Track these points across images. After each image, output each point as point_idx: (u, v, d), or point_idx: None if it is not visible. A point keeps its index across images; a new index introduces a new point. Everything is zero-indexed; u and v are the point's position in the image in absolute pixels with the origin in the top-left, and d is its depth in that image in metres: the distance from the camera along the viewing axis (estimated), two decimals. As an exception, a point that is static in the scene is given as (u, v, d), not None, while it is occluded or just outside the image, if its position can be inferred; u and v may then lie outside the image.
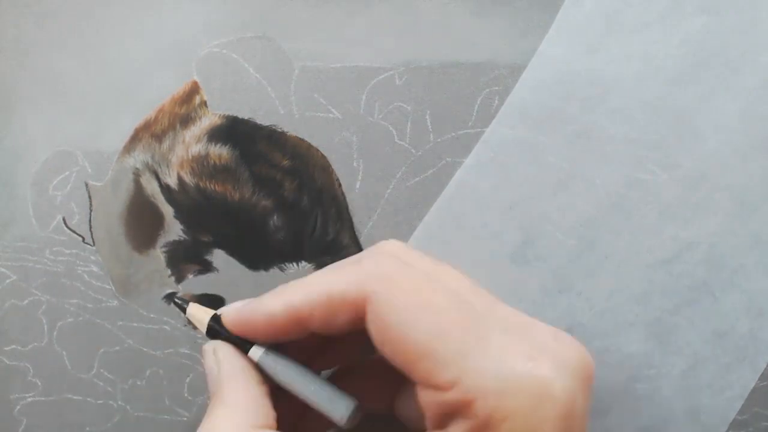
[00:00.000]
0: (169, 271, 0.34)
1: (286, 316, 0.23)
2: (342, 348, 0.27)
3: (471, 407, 0.19)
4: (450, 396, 0.20)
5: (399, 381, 0.24)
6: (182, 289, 0.34)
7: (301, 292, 0.23)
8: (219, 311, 0.26)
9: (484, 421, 0.19)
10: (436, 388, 0.20)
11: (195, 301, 0.34)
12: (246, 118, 0.33)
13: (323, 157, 0.34)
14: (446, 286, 0.22)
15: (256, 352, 0.25)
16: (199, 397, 0.34)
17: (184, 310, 0.28)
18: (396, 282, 0.21)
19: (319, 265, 0.34)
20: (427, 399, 0.21)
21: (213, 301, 0.34)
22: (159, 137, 0.34)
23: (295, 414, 0.26)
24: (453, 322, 0.20)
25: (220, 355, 0.25)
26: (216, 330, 0.26)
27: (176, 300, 0.28)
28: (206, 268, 0.34)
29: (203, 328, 0.27)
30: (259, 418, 0.22)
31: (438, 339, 0.20)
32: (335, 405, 0.23)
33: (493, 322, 0.21)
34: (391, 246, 0.24)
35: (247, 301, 0.25)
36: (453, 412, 0.20)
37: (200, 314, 0.27)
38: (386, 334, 0.21)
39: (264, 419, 0.23)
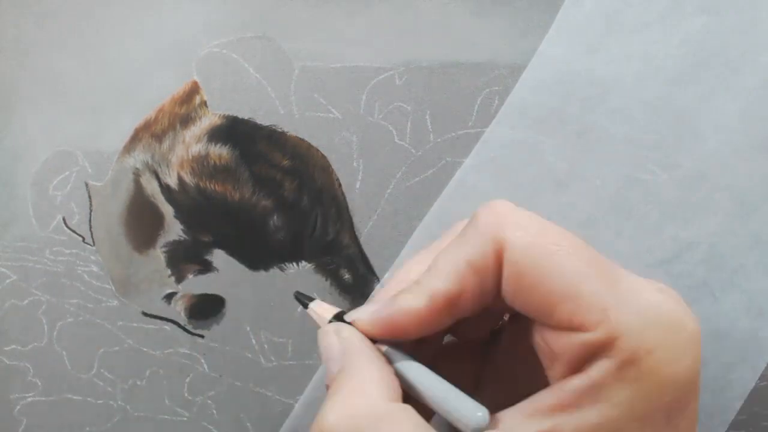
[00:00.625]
0: (169, 271, 0.34)
1: (433, 309, 0.22)
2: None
3: (615, 344, 0.19)
4: (595, 335, 0.19)
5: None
6: (182, 289, 0.34)
7: (440, 275, 0.22)
8: (348, 316, 0.24)
9: (630, 357, 0.19)
10: (580, 329, 0.20)
11: (195, 301, 0.34)
12: (246, 118, 0.33)
13: (323, 157, 0.34)
14: (573, 238, 0.22)
15: (380, 347, 0.23)
16: (198, 396, 0.34)
17: (305, 305, 0.26)
18: (526, 228, 0.21)
19: (319, 265, 0.34)
20: (566, 342, 0.20)
21: (213, 301, 0.34)
22: (159, 137, 0.34)
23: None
24: (589, 263, 0.20)
25: (345, 333, 0.23)
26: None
27: (298, 295, 0.27)
28: (206, 268, 0.34)
29: (324, 325, 0.25)
30: (391, 393, 0.21)
31: (580, 280, 0.20)
32: (466, 413, 0.21)
33: (620, 269, 0.21)
34: (500, 201, 0.23)
35: (376, 304, 0.23)
36: (595, 353, 0.20)
37: (322, 312, 0.26)
38: (523, 280, 0.21)
39: (396, 394, 0.21)
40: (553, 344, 0.21)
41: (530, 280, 0.21)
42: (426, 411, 0.22)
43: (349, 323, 0.24)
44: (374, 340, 0.23)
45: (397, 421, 0.20)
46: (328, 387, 0.22)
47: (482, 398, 0.22)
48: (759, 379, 0.33)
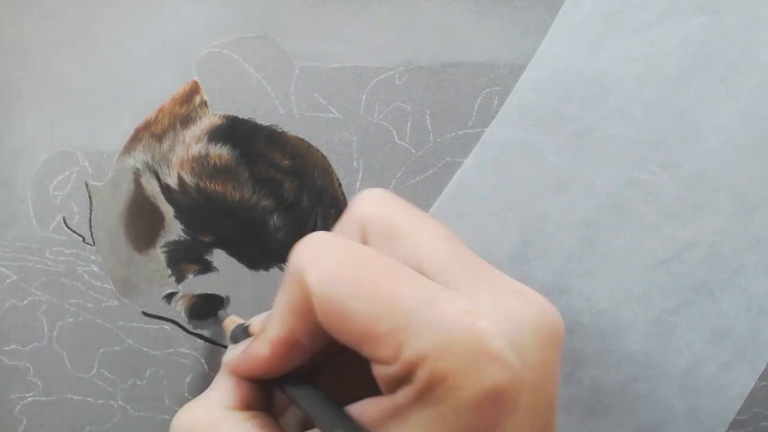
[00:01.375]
0: (169, 271, 0.34)
1: (276, 354, 0.23)
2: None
3: (415, 373, 0.20)
4: (393, 369, 0.20)
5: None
6: (182, 289, 0.34)
7: (274, 323, 0.23)
8: (224, 357, 0.27)
9: (426, 385, 0.19)
10: (382, 362, 0.21)
11: (195, 301, 0.34)
12: (246, 118, 0.33)
13: (323, 157, 0.34)
14: (394, 250, 0.22)
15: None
16: (199, 397, 0.34)
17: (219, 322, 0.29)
18: (322, 271, 0.22)
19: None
20: (377, 372, 0.21)
21: (213, 301, 0.34)
22: (159, 137, 0.34)
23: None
24: (391, 294, 0.21)
25: (226, 358, 0.26)
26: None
27: (232, 335, 0.29)
28: (206, 268, 0.34)
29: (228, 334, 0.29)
30: (233, 402, 0.24)
31: (375, 320, 0.20)
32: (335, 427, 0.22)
33: (443, 281, 0.22)
34: (311, 238, 0.23)
35: (241, 348, 0.25)
36: (399, 382, 0.20)
37: (230, 323, 0.29)
38: (328, 323, 0.21)
39: (239, 403, 0.24)
40: (374, 369, 0.21)
41: (332, 324, 0.21)
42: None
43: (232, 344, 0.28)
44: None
45: (229, 424, 0.23)
46: None
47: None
48: (759, 379, 0.33)
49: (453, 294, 0.21)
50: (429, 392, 0.20)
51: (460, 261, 0.22)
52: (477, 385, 0.19)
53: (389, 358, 0.20)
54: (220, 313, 0.33)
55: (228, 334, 0.30)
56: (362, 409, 0.21)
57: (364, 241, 0.23)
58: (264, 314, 0.28)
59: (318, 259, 0.22)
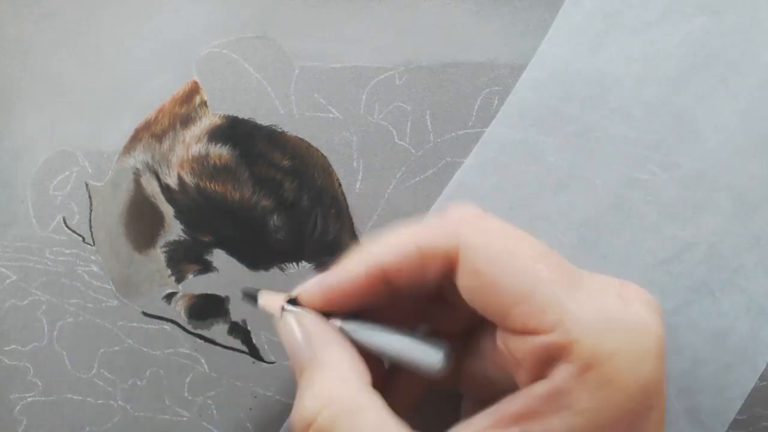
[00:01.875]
0: (169, 271, 0.34)
1: (371, 277, 0.22)
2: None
3: (573, 349, 0.19)
4: (551, 338, 0.19)
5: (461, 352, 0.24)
6: (182, 289, 0.34)
7: (388, 248, 0.22)
8: (295, 292, 0.24)
9: (589, 361, 0.19)
10: (536, 332, 0.20)
11: (195, 302, 0.34)
12: (246, 118, 0.33)
13: (323, 157, 0.34)
14: (536, 243, 0.22)
15: (335, 322, 0.23)
16: (198, 397, 0.34)
17: (255, 301, 0.26)
18: (487, 229, 0.21)
19: (320, 265, 0.34)
20: (523, 347, 0.20)
21: (213, 301, 0.34)
22: (159, 137, 0.34)
23: (381, 382, 0.24)
24: (548, 266, 0.20)
25: (306, 321, 0.23)
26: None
27: (246, 294, 0.27)
28: (206, 268, 0.34)
29: (278, 314, 0.25)
30: (364, 379, 0.22)
31: (536, 282, 0.20)
32: (428, 353, 0.21)
33: (581, 270, 0.21)
34: (469, 205, 0.23)
35: (322, 275, 0.24)
36: (553, 357, 0.19)
37: (272, 301, 0.26)
38: (480, 281, 0.21)
39: (368, 379, 0.22)
40: (514, 349, 0.21)
41: (485, 280, 0.20)
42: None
43: (300, 307, 0.24)
44: (328, 316, 0.23)
45: (371, 410, 0.20)
46: (297, 376, 0.23)
47: (463, 397, 0.22)
48: (759, 379, 0.33)
49: (601, 280, 0.21)
50: (593, 372, 0.19)
51: (568, 263, 0.22)
52: (645, 368, 0.19)
53: (546, 326, 0.19)
54: (244, 291, 0.29)
55: (275, 310, 0.26)
56: (502, 409, 0.20)
57: (449, 257, 0.22)
58: (313, 279, 0.25)
59: (482, 219, 0.22)
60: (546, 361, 0.20)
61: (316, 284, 0.23)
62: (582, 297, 0.20)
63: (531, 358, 0.20)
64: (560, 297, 0.20)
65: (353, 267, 0.23)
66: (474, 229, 0.21)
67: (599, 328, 0.19)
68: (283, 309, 0.25)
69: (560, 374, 0.19)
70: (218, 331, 0.34)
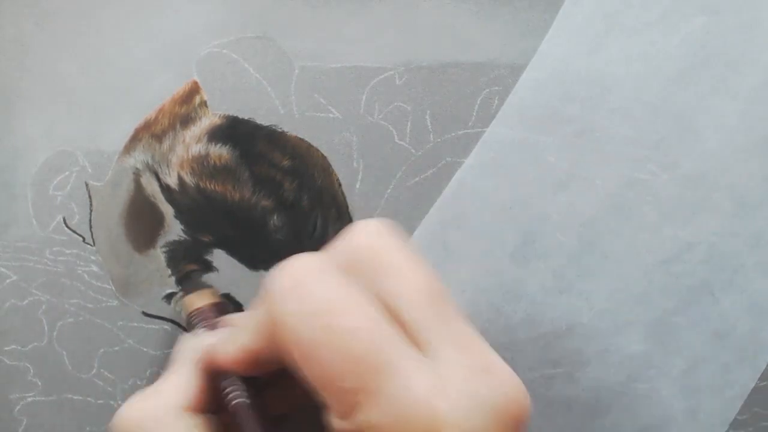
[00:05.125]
0: (169, 271, 0.34)
1: (244, 359, 0.23)
2: None
3: None
4: (344, 425, 0.20)
5: None
6: (182, 289, 0.34)
7: (246, 332, 0.23)
8: (183, 347, 0.27)
9: None
10: (336, 414, 0.21)
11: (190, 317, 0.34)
12: (246, 118, 0.33)
13: (323, 157, 0.34)
14: (378, 288, 0.22)
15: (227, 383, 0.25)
16: (199, 397, 0.34)
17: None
18: (296, 311, 0.21)
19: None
20: (328, 418, 0.21)
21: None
22: (159, 137, 0.34)
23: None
24: (360, 352, 0.20)
25: (189, 344, 0.26)
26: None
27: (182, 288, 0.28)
28: (206, 268, 0.34)
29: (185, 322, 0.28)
30: (189, 402, 0.24)
31: (337, 373, 0.20)
32: None
33: (416, 336, 0.21)
34: (293, 266, 0.23)
35: (211, 343, 0.25)
36: None
37: (195, 302, 0.29)
38: (294, 363, 0.21)
39: (194, 405, 0.24)
40: (330, 419, 0.21)
41: (295, 363, 0.21)
42: None
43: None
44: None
45: (171, 428, 0.23)
46: None
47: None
48: (759, 379, 0.33)
49: (422, 365, 0.20)
50: None
51: (440, 320, 0.22)
52: None
53: (342, 414, 0.20)
54: (195, 277, 0.32)
55: (187, 311, 0.30)
56: None
57: (351, 269, 0.23)
58: (242, 315, 0.28)
59: (296, 292, 0.21)
60: None
61: (207, 353, 0.25)
62: (388, 387, 0.20)
63: (331, 427, 0.21)
64: (357, 389, 0.20)
65: (230, 348, 0.24)
66: (284, 313, 0.21)
67: (388, 423, 0.19)
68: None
69: None
70: (218, 331, 0.34)
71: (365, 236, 0.23)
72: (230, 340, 0.24)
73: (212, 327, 0.28)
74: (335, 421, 0.21)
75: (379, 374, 0.20)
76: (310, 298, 0.21)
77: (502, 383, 0.21)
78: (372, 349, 0.20)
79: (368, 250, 0.23)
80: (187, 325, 0.28)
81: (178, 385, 0.24)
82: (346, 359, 0.20)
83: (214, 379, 0.25)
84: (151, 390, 0.24)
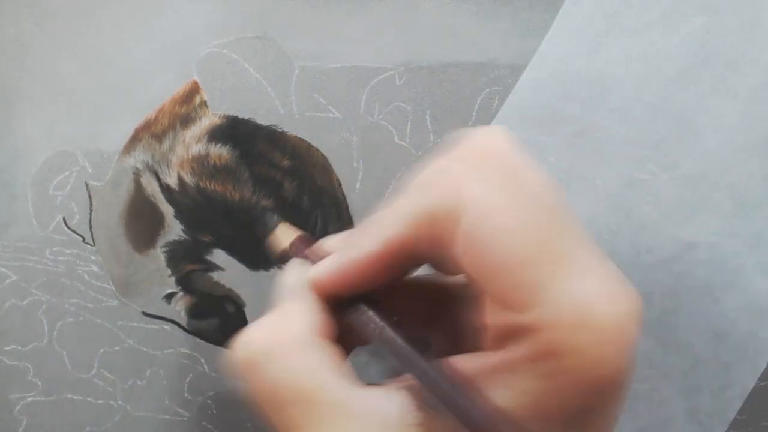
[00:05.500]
0: (169, 271, 0.34)
1: (388, 254, 0.21)
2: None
3: (538, 334, 0.19)
4: (520, 318, 0.19)
5: (438, 300, 0.24)
6: (182, 289, 0.34)
7: (399, 220, 0.21)
8: (311, 273, 0.24)
9: (547, 351, 0.18)
10: (511, 308, 0.19)
11: (195, 302, 0.34)
12: (246, 118, 0.33)
13: (323, 157, 0.34)
14: (542, 203, 0.20)
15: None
16: (199, 397, 0.34)
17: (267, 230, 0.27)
18: (489, 188, 0.20)
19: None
20: (496, 316, 0.20)
21: (213, 301, 0.34)
22: (159, 137, 0.34)
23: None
24: (540, 246, 0.19)
25: (299, 273, 0.23)
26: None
27: (267, 219, 0.27)
28: (209, 268, 0.34)
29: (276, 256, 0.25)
30: (315, 328, 0.21)
31: (521, 263, 0.19)
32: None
33: (579, 250, 0.20)
34: (486, 144, 0.21)
35: (335, 257, 0.23)
36: (518, 334, 0.19)
37: (282, 239, 0.26)
38: (477, 252, 0.20)
39: (321, 331, 0.21)
40: (486, 313, 0.20)
41: (479, 249, 0.20)
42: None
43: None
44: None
45: (307, 352, 0.20)
46: None
47: (431, 347, 0.22)
48: (759, 379, 0.33)
49: (594, 269, 0.19)
50: (548, 361, 0.19)
51: (564, 246, 0.20)
52: (605, 370, 0.19)
53: (519, 306, 0.19)
54: (269, 217, 0.30)
55: (281, 244, 0.27)
56: (462, 363, 0.20)
57: (457, 219, 0.21)
58: (339, 235, 0.25)
59: (483, 170, 0.20)
60: (511, 335, 0.19)
61: (328, 270, 0.22)
62: (566, 286, 0.19)
63: (497, 328, 0.20)
64: (541, 282, 0.19)
65: (368, 245, 0.21)
66: (477, 189, 0.20)
67: (570, 322, 0.19)
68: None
69: (513, 351, 0.19)
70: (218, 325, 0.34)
71: (502, 142, 0.21)
72: (369, 235, 0.22)
73: (311, 256, 0.25)
74: (501, 316, 0.19)
75: (569, 271, 0.19)
76: (500, 179, 0.20)
77: (634, 296, 0.20)
78: (563, 242, 0.19)
79: (501, 153, 0.21)
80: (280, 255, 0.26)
81: (303, 312, 0.22)
82: (537, 249, 0.19)
83: (330, 307, 0.23)
84: (271, 318, 0.22)
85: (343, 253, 0.22)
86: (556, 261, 0.19)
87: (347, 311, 0.22)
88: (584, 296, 0.19)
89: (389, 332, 0.21)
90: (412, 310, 0.24)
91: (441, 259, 0.21)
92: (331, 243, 0.25)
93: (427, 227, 0.21)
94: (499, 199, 0.20)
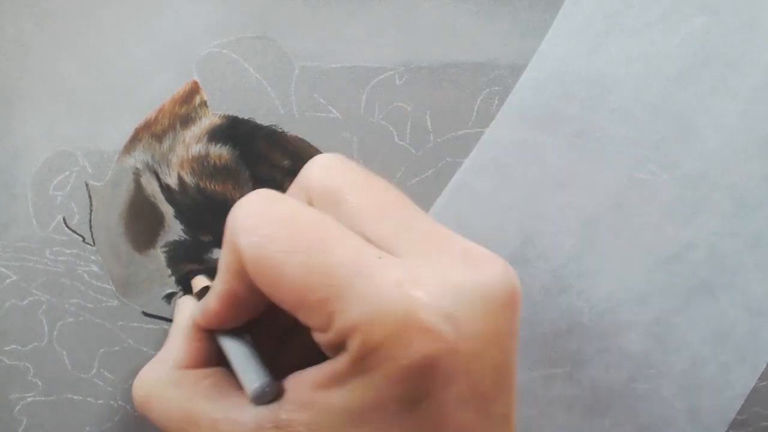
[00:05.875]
0: (169, 271, 0.34)
1: (223, 307, 0.24)
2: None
3: (349, 341, 0.20)
4: (328, 336, 0.20)
5: None
6: (182, 289, 0.34)
7: (219, 278, 0.24)
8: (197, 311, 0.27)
9: (359, 354, 0.20)
10: (317, 330, 0.21)
11: (196, 297, 0.34)
12: (246, 118, 0.33)
13: (323, 157, 0.34)
14: (339, 215, 0.22)
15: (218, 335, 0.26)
16: (199, 397, 0.34)
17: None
18: (254, 232, 0.21)
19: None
20: (315, 337, 0.21)
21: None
22: (159, 137, 0.34)
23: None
24: (324, 261, 0.20)
25: (186, 313, 0.28)
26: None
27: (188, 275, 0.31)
28: (207, 267, 0.34)
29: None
30: (189, 361, 0.25)
31: (305, 289, 0.20)
32: (249, 379, 0.23)
33: (388, 247, 0.21)
34: (249, 198, 0.23)
35: (201, 302, 0.26)
36: (337, 348, 0.20)
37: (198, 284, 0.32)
38: (262, 286, 0.21)
39: (194, 362, 0.25)
40: (313, 333, 0.21)
41: (266, 287, 0.21)
42: None
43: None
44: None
45: (182, 385, 0.24)
46: None
47: (289, 361, 0.24)
48: (759, 379, 0.33)
49: (390, 263, 0.20)
50: (362, 361, 0.20)
51: (408, 226, 0.22)
52: (406, 356, 0.19)
53: (323, 326, 0.20)
54: (196, 273, 0.34)
55: (194, 290, 0.32)
56: (306, 374, 0.22)
57: (309, 202, 0.23)
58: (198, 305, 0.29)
59: (251, 218, 0.21)
60: (332, 349, 0.21)
61: (201, 311, 0.25)
62: (363, 288, 0.20)
63: (321, 345, 0.21)
64: (330, 300, 0.20)
65: (211, 303, 0.24)
66: (245, 236, 0.21)
67: (367, 320, 0.19)
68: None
69: (339, 360, 0.20)
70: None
71: (315, 169, 0.23)
72: (210, 295, 0.24)
73: (199, 295, 0.30)
74: (319, 338, 0.21)
75: (349, 277, 0.20)
76: (266, 220, 0.21)
77: (484, 268, 0.21)
78: (338, 254, 0.20)
79: (321, 181, 0.23)
80: (197, 297, 0.31)
81: (175, 348, 0.25)
82: (313, 269, 0.20)
83: (214, 340, 0.25)
84: (153, 359, 0.26)
85: (205, 299, 0.25)
86: (343, 278, 0.20)
87: (219, 340, 0.25)
88: (377, 296, 0.20)
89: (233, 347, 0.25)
90: (272, 333, 0.27)
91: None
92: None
93: (237, 280, 0.23)
94: (265, 245, 0.21)
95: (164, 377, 0.25)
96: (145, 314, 0.34)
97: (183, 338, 0.26)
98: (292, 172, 0.33)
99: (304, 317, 0.21)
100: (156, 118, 0.34)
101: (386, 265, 0.20)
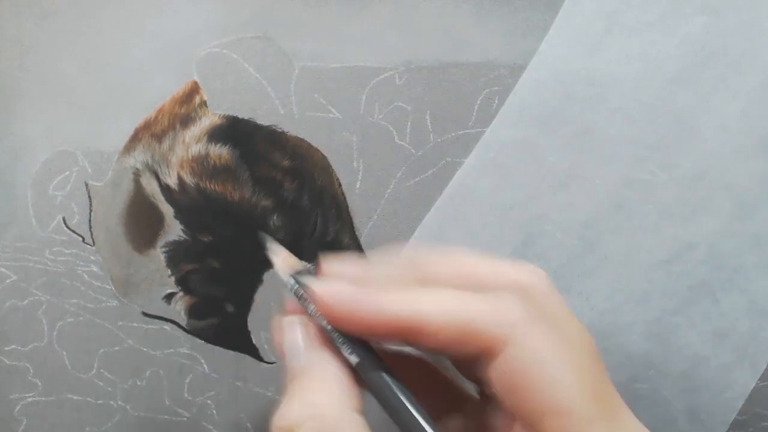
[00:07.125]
0: (169, 271, 0.34)
1: (407, 325, 0.21)
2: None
3: None
4: None
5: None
6: (182, 289, 0.34)
7: (436, 305, 0.21)
8: (314, 288, 0.23)
9: None
10: None
11: (195, 302, 0.34)
12: (246, 118, 0.33)
13: (323, 157, 0.34)
14: (583, 345, 0.22)
15: (351, 357, 0.22)
16: (198, 397, 0.34)
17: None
18: (541, 331, 0.20)
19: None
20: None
21: (213, 301, 0.34)
22: (159, 137, 0.34)
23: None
24: (589, 386, 0.20)
25: (310, 329, 0.23)
26: (300, 294, 0.23)
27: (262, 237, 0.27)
28: (207, 267, 0.34)
29: (287, 283, 0.24)
30: (353, 402, 0.21)
31: (573, 400, 0.20)
32: None
33: (620, 409, 0.22)
34: (533, 283, 0.22)
35: (353, 288, 0.22)
36: None
37: (286, 266, 0.25)
38: (518, 381, 0.20)
39: (358, 404, 0.21)
40: (512, 427, 0.21)
41: (525, 384, 0.20)
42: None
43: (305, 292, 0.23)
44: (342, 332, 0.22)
45: (346, 429, 0.20)
46: (289, 378, 0.22)
47: None
48: (759, 379, 0.33)
49: (632, 417, 0.21)
50: None
51: (605, 394, 0.22)
52: None
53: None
54: (266, 239, 0.29)
55: (286, 277, 0.25)
56: None
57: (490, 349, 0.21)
58: (340, 286, 0.23)
59: (533, 311, 0.21)
60: None
61: (340, 297, 0.22)
62: (612, 426, 0.20)
63: None
64: (589, 421, 0.20)
65: (393, 305, 0.21)
66: (529, 328, 0.20)
67: None
68: (291, 308, 0.24)
69: None
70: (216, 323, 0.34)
71: (540, 282, 0.22)
72: (400, 295, 0.21)
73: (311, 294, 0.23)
74: None
75: (616, 411, 0.21)
76: (553, 306, 0.22)
77: None
78: (603, 379, 0.21)
79: (547, 296, 0.22)
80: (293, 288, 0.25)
81: (332, 381, 0.21)
82: (591, 383, 0.21)
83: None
84: (304, 387, 0.22)
85: (363, 293, 0.22)
86: (599, 402, 0.20)
87: (367, 375, 0.22)
88: None
89: (412, 417, 0.21)
90: (419, 387, 0.24)
91: (458, 360, 0.22)
92: (339, 270, 0.24)
93: (462, 334, 0.21)
94: (550, 344, 0.20)
95: (337, 417, 0.21)
96: (145, 314, 0.34)
97: (334, 369, 0.22)
98: (292, 172, 0.33)
99: (551, 426, 0.20)
100: (156, 118, 0.34)
101: (634, 424, 0.21)
